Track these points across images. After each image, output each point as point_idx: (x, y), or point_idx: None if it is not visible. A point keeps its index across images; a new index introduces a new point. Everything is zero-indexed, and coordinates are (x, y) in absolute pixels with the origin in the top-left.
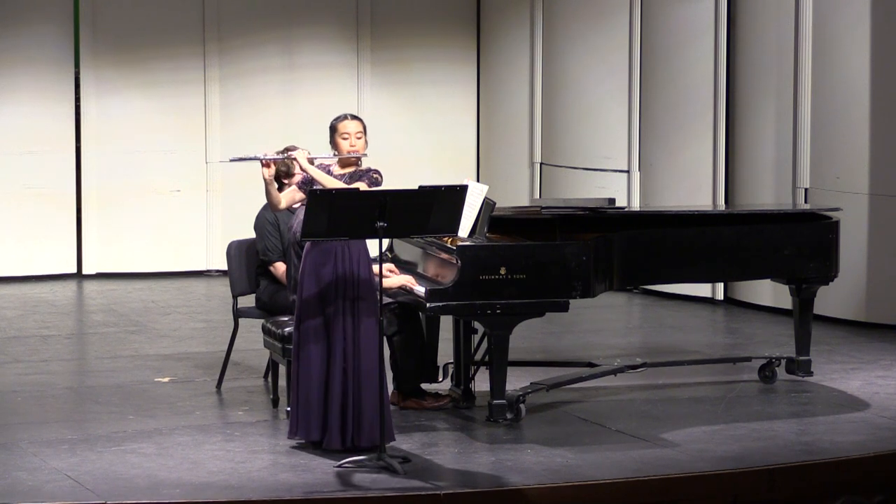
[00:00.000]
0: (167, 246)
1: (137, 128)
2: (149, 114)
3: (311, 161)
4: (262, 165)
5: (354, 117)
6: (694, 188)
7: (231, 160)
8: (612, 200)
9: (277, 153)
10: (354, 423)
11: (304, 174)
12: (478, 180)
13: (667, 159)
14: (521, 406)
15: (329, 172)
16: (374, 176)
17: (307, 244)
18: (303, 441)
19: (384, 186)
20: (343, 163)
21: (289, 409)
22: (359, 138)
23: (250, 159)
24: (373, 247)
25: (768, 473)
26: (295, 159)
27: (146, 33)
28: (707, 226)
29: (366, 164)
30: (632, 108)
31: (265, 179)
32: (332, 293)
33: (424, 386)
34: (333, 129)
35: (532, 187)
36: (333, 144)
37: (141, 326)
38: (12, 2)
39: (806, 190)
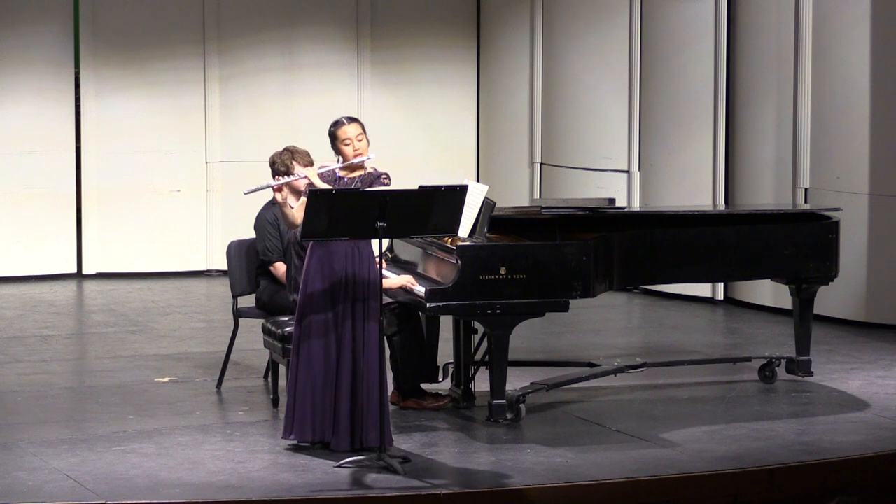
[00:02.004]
0: (167, 246)
1: (137, 128)
2: (149, 114)
3: (320, 173)
4: (275, 191)
5: (352, 120)
6: (694, 188)
7: (246, 193)
8: (612, 200)
9: (278, 152)
10: (363, 424)
11: (309, 182)
12: (478, 180)
13: (667, 159)
14: (521, 406)
15: (338, 178)
16: (385, 181)
17: (311, 243)
18: (296, 442)
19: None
20: (350, 167)
21: None
22: (360, 141)
23: (264, 188)
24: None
25: (768, 473)
26: (306, 176)
27: (146, 33)
28: (707, 226)
29: (370, 165)
30: (632, 108)
31: (279, 202)
32: (341, 294)
33: (424, 386)
34: (334, 137)
35: (532, 187)
36: (336, 151)
37: (141, 326)
38: (12, 2)
39: (806, 190)
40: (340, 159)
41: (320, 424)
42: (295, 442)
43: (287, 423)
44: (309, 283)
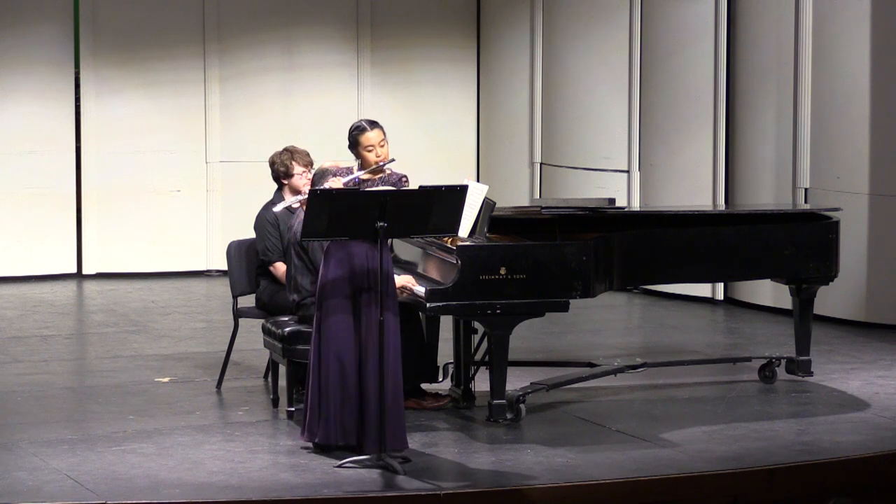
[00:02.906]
0: (167, 246)
1: (137, 128)
2: (149, 114)
3: (345, 182)
4: (302, 205)
5: (374, 125)
6: (694, 188)
7: (278, 210)
8: (612, 200)
9: (278, 152)
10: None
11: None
12: (478, 180)
13: (667, 159)
14: (521, 406)
15: (358, 182)
16: (406, 183)
17: (328, 246)
18: (313, 443)
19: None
20: (374, 172)
21: (291, 409)
22: (382, 147)
23: (294, 202)
24: None
25: (768, 473)
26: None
27: (146, 33)
28: (707, 226)
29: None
30: (632, 108)
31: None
32: (363, 295)
33: (424, 386)
34: (356, 142)
35: (532, 187)
36: (357, 155)
37: (141, 326)
38: (12, 2)
39: (806, 190)
40: (359, 163)
41: (345, 427)
42: (311, 443)
43: (311, 425)
44: (328, 286)
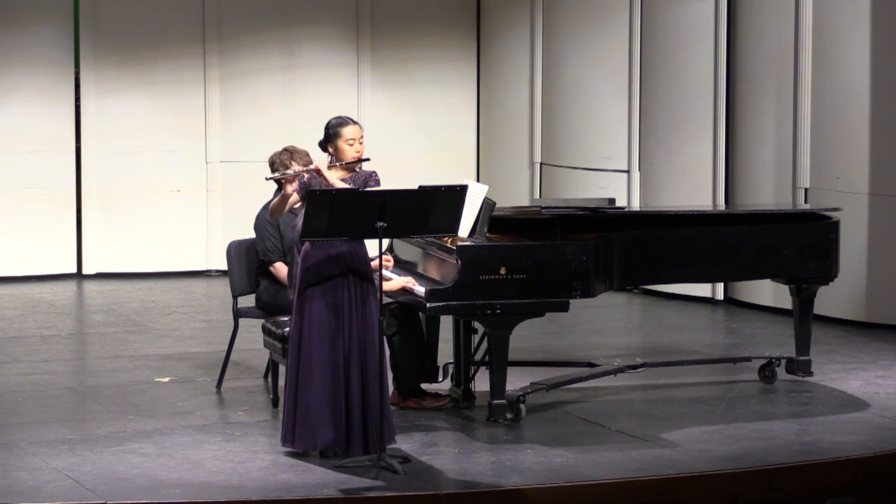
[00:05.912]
0: (167, 246)
1: (137, 128)
2: (149, 114)
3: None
4: (288, 182)
5: (355, 122)
6: (694, 188)
7: (267, 179)
8: (612, 200)
9: (278, 152)
10: (378, 427)
11: (300, 179)
12: (478, 180)
13: (667, 159)
14: (521, 406)
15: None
16: (376, 178)
17: (305, 250)
18: (297, 451)
19: (381, 186)
20: (349, 168)
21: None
22: (361, 143)
23: (283, 175)
24: (372, 246)
25: (768, 473)
26: (319, 171)
27: (146, 33)
28: (707, 226)
29: (364, 166)
30: (632, 108)
31: (286, 193)
32: (344, 298)
33: (424, 386)
34: (337, 135)
35: (532, 187)
36: (334, 148)
37: (141, 326)
38: (12, 2)
39: (806, 190)
40: (332, 158)
41: (330, 432)
42: (296, 451)
43: (287, 431)
44: (308, 289)
